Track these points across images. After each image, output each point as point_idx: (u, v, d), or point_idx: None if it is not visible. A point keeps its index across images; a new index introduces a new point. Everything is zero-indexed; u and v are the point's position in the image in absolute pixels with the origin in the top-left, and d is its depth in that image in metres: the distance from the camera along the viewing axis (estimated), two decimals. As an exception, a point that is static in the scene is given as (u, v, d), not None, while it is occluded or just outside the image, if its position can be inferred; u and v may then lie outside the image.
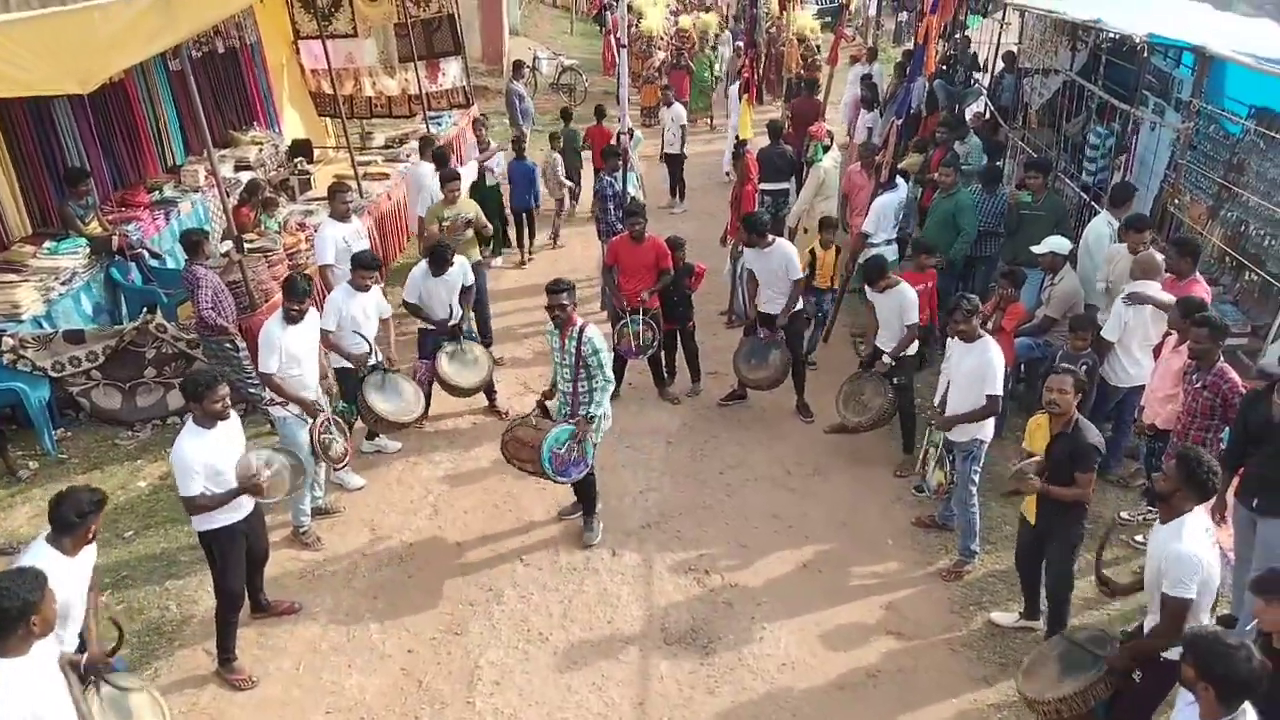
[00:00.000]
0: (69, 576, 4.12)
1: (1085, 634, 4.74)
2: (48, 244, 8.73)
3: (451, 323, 7.75)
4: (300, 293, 6.24)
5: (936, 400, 6.53)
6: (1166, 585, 4.12)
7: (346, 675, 5.56)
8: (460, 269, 7.80)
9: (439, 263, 7.60)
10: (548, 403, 6.62)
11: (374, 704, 5.36)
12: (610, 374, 6.41)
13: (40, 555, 4.11)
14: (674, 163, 14.13)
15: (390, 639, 5.84)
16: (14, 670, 3.48)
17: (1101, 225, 7.90)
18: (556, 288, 6.32)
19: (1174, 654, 4.25)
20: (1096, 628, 4.91)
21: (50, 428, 7.74)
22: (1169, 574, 4.11)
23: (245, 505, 5.29)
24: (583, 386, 6.32)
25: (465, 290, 7.88)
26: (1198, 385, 5.70)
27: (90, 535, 4.30)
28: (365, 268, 7.01)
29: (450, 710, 5.32)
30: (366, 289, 7.01)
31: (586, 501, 6.73)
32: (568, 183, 12.66)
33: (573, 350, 6.26)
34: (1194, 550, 4.09)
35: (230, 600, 5.40)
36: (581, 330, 6.26)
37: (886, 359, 7.26)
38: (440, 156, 9.93)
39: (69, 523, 4.17)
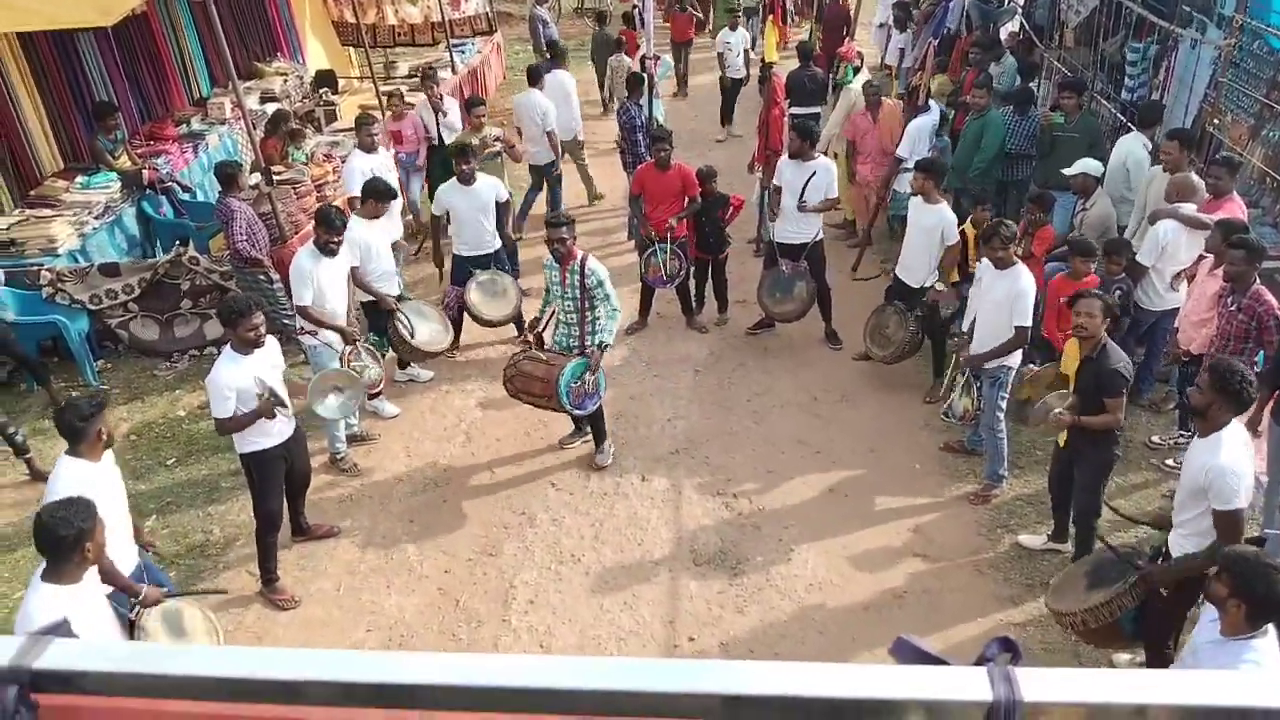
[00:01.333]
0: (100, 482, 4.25)
1: (1114, 552, 4.79)
2: (79, 179, 8.83)
3: (481, 251, 7.76)
4: (338, 225, 6.28)
5: (965, 326, 6.50)
6: (1217, 502, 4.14)
7: (385, 595, 5.74)
8: (490, 186, 7.79)
9: (464, 158, 7.61)
10: (546, 335, 6.67)
11: (413, 622, 5.55)
12: (617, 302, 6.46)
13: (65, 468, 4.23)
14: (735, 88, 13.84)
15: (427, 560, 6.01)
16: (72, 597, 3.61)
17: (1137, 148, 7.72)
18: (556, 221, 6.36)
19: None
20: (1127, 547, 4.96)
21: (91, 359, 7.91)
22: (1215, 490, 4.13)
23: (284, 430, 5.42)
24: (589, 316, 6.38)
25: (502, 207, 7.87)
26: (1232, 308, 5.63)
27: (103, 436, 4.35)
28: (379, 198, 7.05)
29: (486, 628, 5.49)
30: (378, 217, 7.06)
31: (598, 433, 6.82)
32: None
33: (576, 284, 6.29)
34: (1235, 463, 4.12)
35: (269, 521, 5.57)
36: (583, 262, 6.29)
37: (940, 285, 7.17)
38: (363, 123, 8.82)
39: (75, 429, 4.25)
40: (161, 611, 4.33)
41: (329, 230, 6.27)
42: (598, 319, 6.40)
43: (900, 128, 9.22)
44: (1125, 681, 0.91)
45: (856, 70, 10.89)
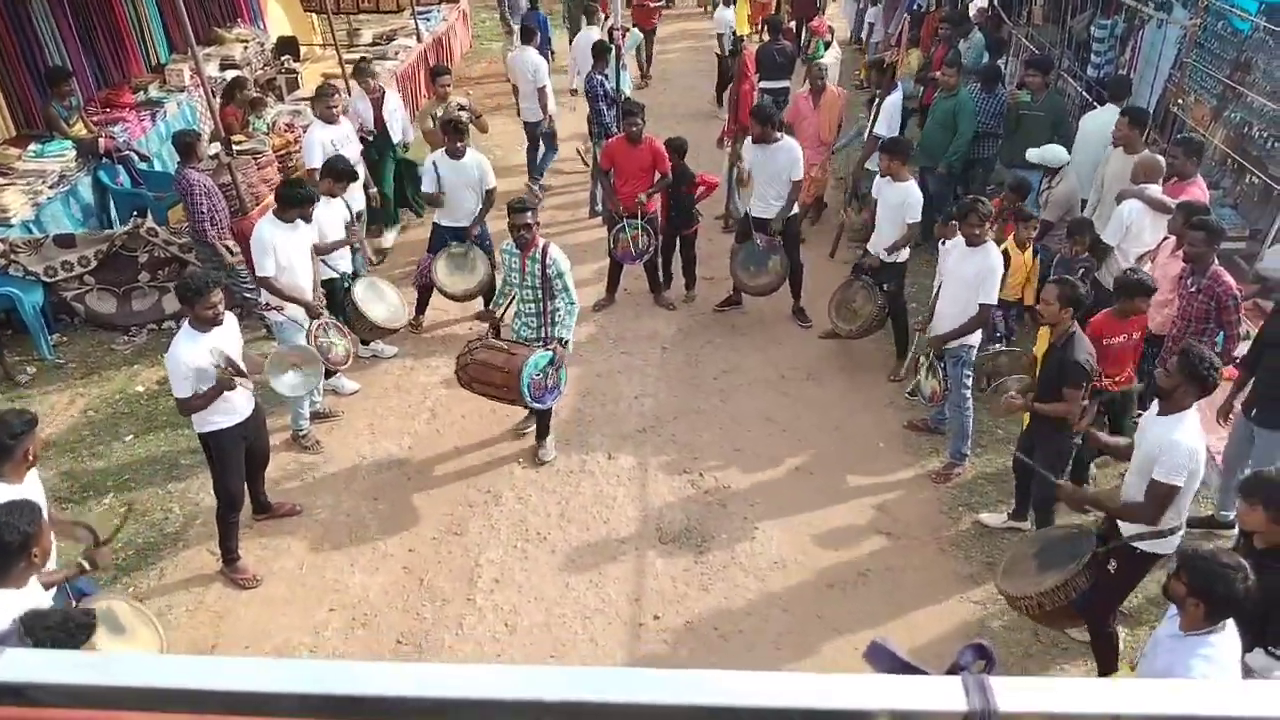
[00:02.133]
0: None
1: (1060, 530, 4.88)
2: (33, 146, 8.61)
3: (460, 222, 7.68)
4: (306, 200, 6.17)
5: (929, 305, 6.52)
6: (1159, 472, 4.22)
7: (349, 574, 5.70)
8: (477, 163, 7.69)
9: (456, 134, 7.50)
10: (503, 323, 6.57)
11: (377, 601, 5.51)
12: (575, 295, 6.28)
13: None
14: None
15: (391, 539, 5.97)
16: (18, 603, 3.43)
17: (1109, 118, 7.73)
18: (521, 206, 6.14)
19: (1148, 546, 4.40)
20: (1073, 525, 5.04)
21: (46, 333, 7.75)
22: (1163, 460, 4.21)
23: (244, 408, 5.34)
24: (550, 307, 6.25)
25: (488, 194, 7.75)
26: (1192, 289, 5.70)
27: (29, 457, 4.15)
28: (338, 177, 6.94)
29: (451, 607, 5.47)
30: (335, 196, 6.95)
31: (542, 427, 6.69)
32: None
33: (536, 272, 6.15)
34: (1192, 443, 4.21)
35: (230, 500, 5.49)
36: (545, 251, 6.14)
37: (883, 254, 7.20)
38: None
39: (3, 446, 4.03)
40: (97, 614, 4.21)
41: (303, 205, 6.15)
42: (557, 310, 6.24)
43: (839, 117, 9.14)
44: (1101, 691, 0.91)
45: (827, 45, 10.86)
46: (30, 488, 4.18)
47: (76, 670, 0.95)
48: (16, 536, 3.43)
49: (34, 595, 3.64)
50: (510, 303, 6.51)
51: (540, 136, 10.53)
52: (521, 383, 5.99)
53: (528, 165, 10.92)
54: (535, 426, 6.75)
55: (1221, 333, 5.73)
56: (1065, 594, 4.45)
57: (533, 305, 6.30)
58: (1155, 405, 4.50)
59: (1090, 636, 4.88)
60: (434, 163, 7.63)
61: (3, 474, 4.07)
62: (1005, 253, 6.46)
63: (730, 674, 0.94)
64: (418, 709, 0.93)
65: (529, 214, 6.13)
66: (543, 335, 6.31)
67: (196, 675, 0.94)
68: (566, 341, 6.28)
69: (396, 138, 9.25)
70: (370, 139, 8.99)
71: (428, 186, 7.69)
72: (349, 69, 10.36)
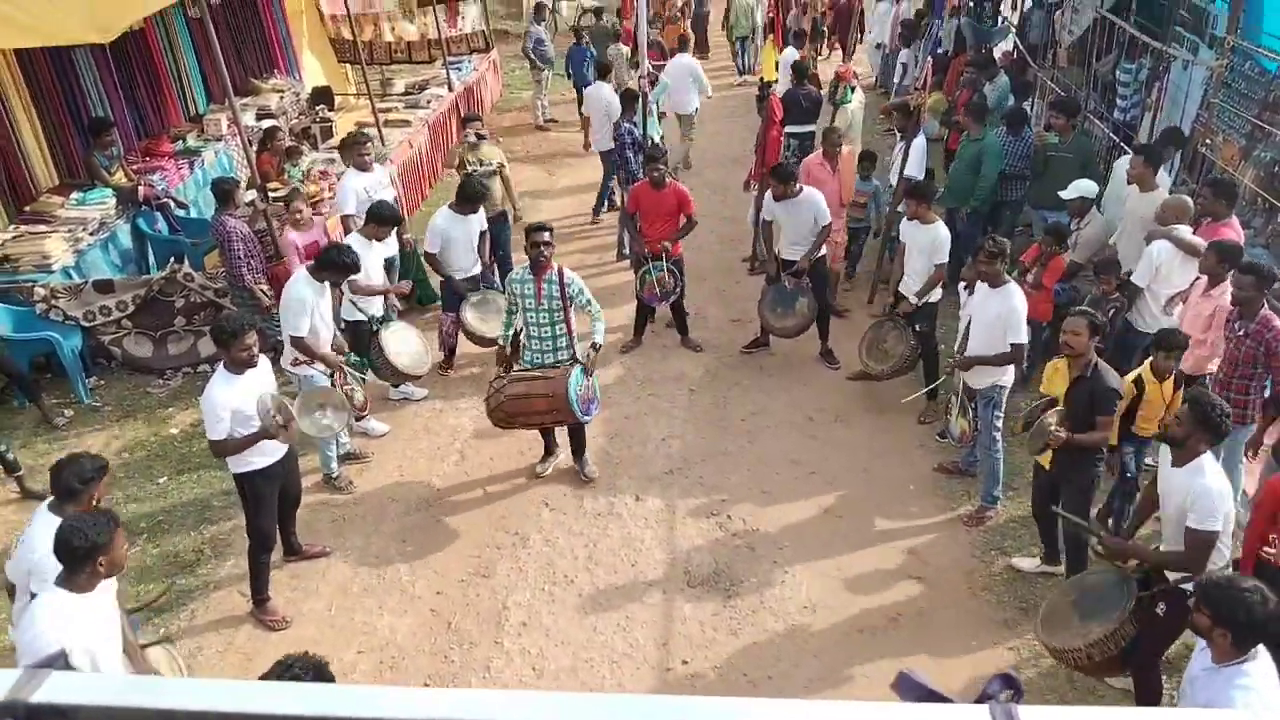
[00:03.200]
0: None
1: (1096, 575, 4.79)
2: (75, 194, 8.83)
3: (472, 273, 7.77)
4: (347, 268, 6.23)
5: (956, 347, 6.50)
6: (1193, 520, 4.17)
7: (377, 616, 5.71)
8: (478, 217, 7.84)
9: (468, 200, 7.61)
10: (512, 353, 6.61)
11: (404, 644, 5.51)
12: (597, 304, 6.46)
13: (43, 524, 4.11)
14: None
15: (419, 581, 5.97)
16: (77, 606, 3.63)
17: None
18: (541, 226, 6.36)
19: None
20: (1109, 569, 4.95)
21: (84, 376, 7.88)
22: (1196, 508, 4.17)
23: (278, 449, 5.40)
24: (562, 330, 6.38)
25: (482, 235, 7.90)
26: (1240, 334, 5.60)
27: (94, 501, 4.28)
28: (382, 222, 7.05)
29: (479, 650, 5.45)
30: (381, 240, 7.07)
31: (580, 443, 6.83)
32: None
33: (555, 294, 6.28)
34: (1219, 485, 4.18)
35: (262, 541, 5.54)
36: (560, 273, 6.31)
37: (912, 299, 7.20)
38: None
39: (72, 489, 4.19)
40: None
41: (339, 270, 6.22)
42: (595, 321, 6.39)
43: (854, 177, 8.99)
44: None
45: (852, 90, 10.95)
46: None
47: (122, 693, 0.97)
48: (83, 543, 3.59)
49: (101, 602, 3.77)
50: (515, 337, 6.59)
51: (611, 165, 10.80)
52: (571, 401, 6.12)
53: (601, 196, 11.37)
54: (572, 446, 6.85)
55: (1269, 378, 5.65)
56: (1115, 643, 4.33)
57: (547, 329, 6.38)
58: (1168, 456, 4.44)
59: (1134, 684, 4.77)
60: (435, 225, 7.72)
61: (64, 512, 4.19)
62: (1139, 381, 5.57)
63: (761, 701, 0.95)
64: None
65: (549, 233, 6.27)
66: (557, 360, 6.39)
67: (240, 699, 0.96)
68: (599, 346, 6.42)
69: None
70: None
71: (431, 247, 7.74)
72: (381, 117, 10.59)
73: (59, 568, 3.70)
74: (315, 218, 7.94)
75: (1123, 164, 7.92)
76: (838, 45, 17.06)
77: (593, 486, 6.79)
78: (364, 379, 6.82)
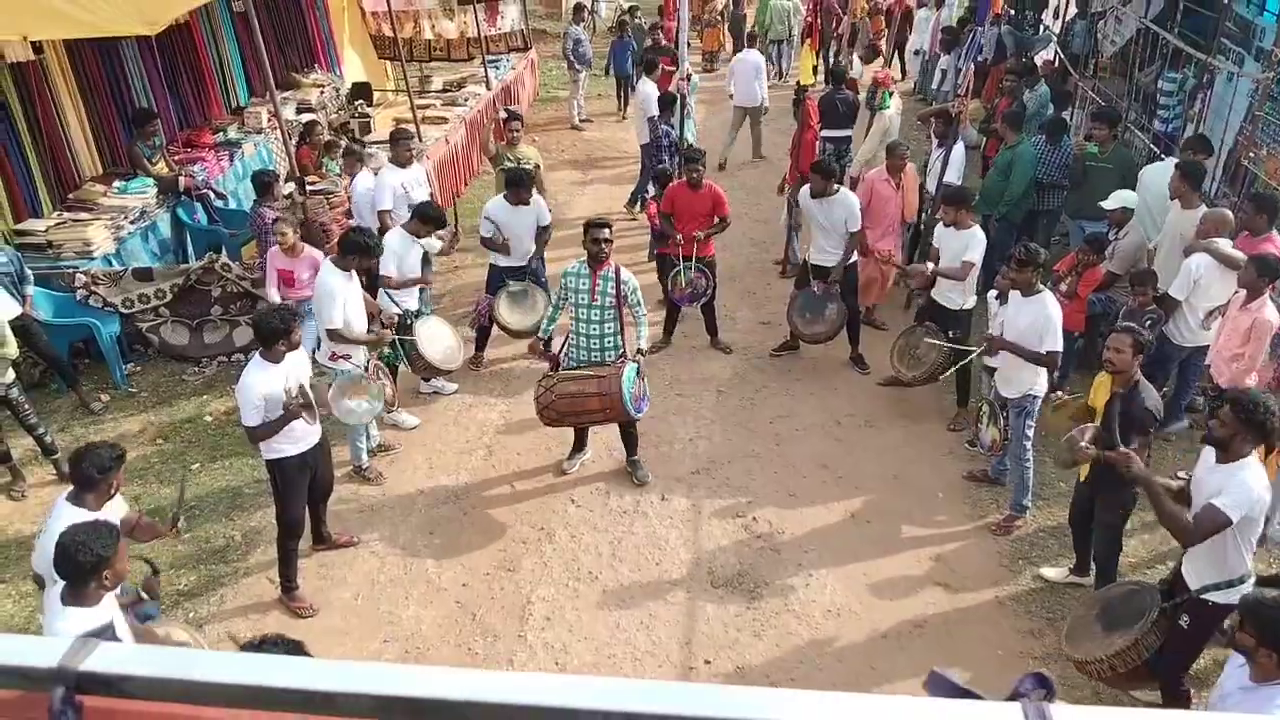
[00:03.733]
0: None
1: (1120, 587, 4.74)
2: (117, 183, 8.96)
3: (518, 262, 7.85)
4: (368, 250, 6.27)
5: (987, 359, 6.44)
6: (1220, 499, 4.09)
7: (403, 606, 5.75)
8: (539, 205, 7.90)
9: (517, 187, 7.69)
10: (555, 349, 6.64)
11: (429, 634, 5.55)
12: (644, 308, 6.50)
13: (63, 514, 4.13)
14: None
15: (445, 573, 6.02)
16: (84, 619, 3.58)
17: (1169, 169, 7.64)
18: (601, 222, 6.39)
19: (1219, 598, 4.25)
20: (1131, 581, 4.90)
21: (121, 362, 8.00)
22: (1228, 492, 4.09)
23: (310, 437, 5.46)
24: (614, 328, 6.39)
25: (542, 230, 7.95)
26: None
27: (112, 490, 4.31)
28: (427, 221, 7.12)
29: (502, 643, 5.49)
30: (423, 237, 7.15)
31: (634, 442, 6.85)
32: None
33: (609, 291, 6.28)
34: (1259, 485, 4.10)
35: (290, 528, 5.60)
36: (617, 270, 6.33)
37: (930, 268, 7.15)
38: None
39: (90, 479, 4.20)
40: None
41: (360, 253, 6.26)
42: (638, 322, 6.42)
43: (916, 195, 8.88)
44: (1160, 723, 0.90)
45: (890, 95, 10.90)
46: (109, 516, 4.30)
47: (164, 664, 1.00)
48: (90, 558, 3.52)
49: (106, 613, 3.73)
50: (554, 331, 6.62)
51: (651, 160, 10.87)
52: (625, 399, 6.13)
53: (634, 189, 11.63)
54: (625, 443, 6.86)
55: None
56: (1137, 654, 4.32)
57: (597, 327, 6.37)
58: (1207, 456, 4.38)
59: (1162, 696, 4.72)
60: (488, 214, 7.83)
61: (84, 501, 4.25)
62: None
63: (790, 692, 0.95)
64: (486, 714, 0.95)
65: (609, 229, 6.30)
66: (604, 359, 6.39)
67: (277, 673, 0.98)
68: (644, 351, 6.46)
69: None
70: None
71: (484, 232, 7.86)
72: (419, 114, 10.64)
73: None
74: (308, 249, 7.31)
75: (1151, 172, 7.81)
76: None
77: (619, 485, 6.80)
78: (394, 373, 6.89)
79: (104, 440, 4.50)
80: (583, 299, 6.35)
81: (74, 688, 0.96)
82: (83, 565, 3.52)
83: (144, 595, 4.39)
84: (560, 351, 6.58)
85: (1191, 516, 4.23)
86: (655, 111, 10.55)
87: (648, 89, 11.16)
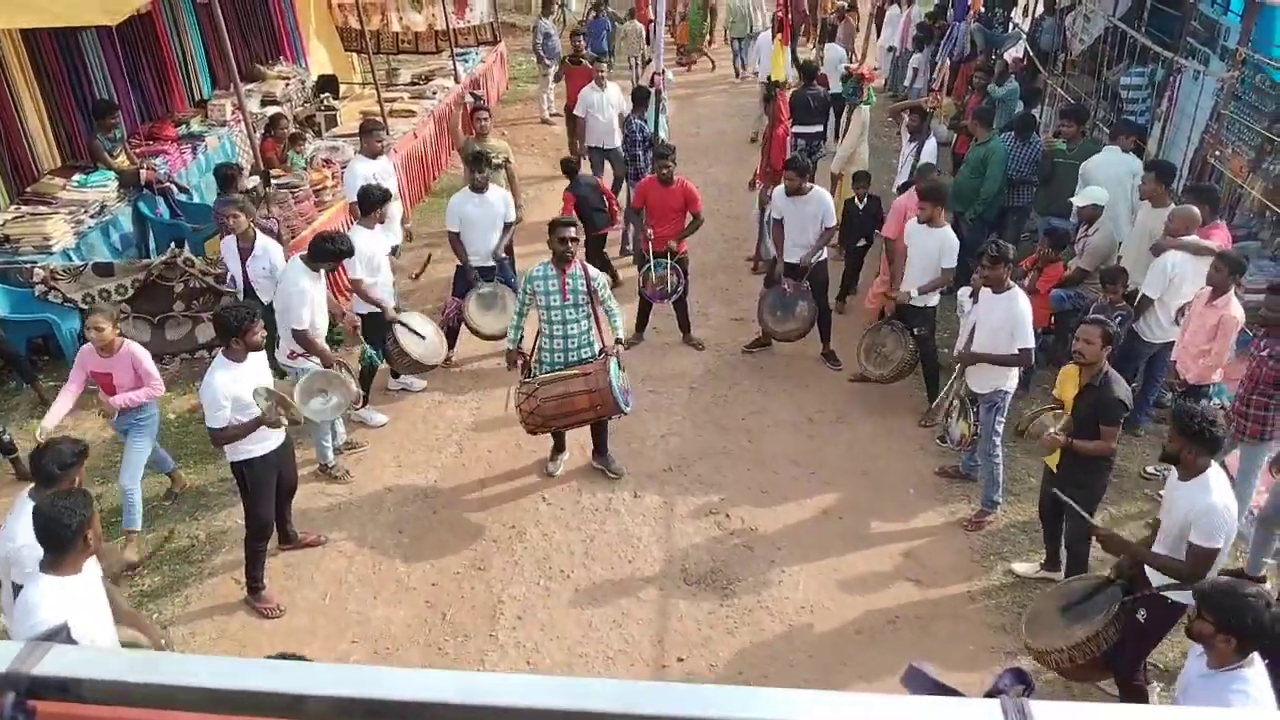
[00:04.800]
0: None
1: (1081, 581, 4.79)
2: (77, 177, 8.79)
3: (486, 263, 7.76)
4: (339, 254, 6.20)
5: (957, 351, 6.44)
6: (1197, 537, 4.16)
7: (372, 606, 5.67)
8: (502, 198, 7.83)
9: (476, 167, 7.63)
10: (528, 354, 6.52)
11: (399, 635, 5.47)
12: (614, 300, 6.45)
13: (24, 512, 4.03)
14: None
15: (415, 573, 5.94)
16: (66, 589, 3.59)
17: (1111, 158, 7.76)
18: (568, 223, 6.33)
19: (1178, 596, 4.30)
20: (1093, 575, 4.94)
21: (81, 359, 7.83)
22: (1200, 526, 4.15)
23: (276, 436, 5.36)
24: (589, 324, 6.35)
25: (507, 226, 7.87)
26: (1264, 353, 5.58)
27: (74, 485, 4.22)
28: (374, 204, 7.03)
29: (473, 642, 5.42)
30: (381, 221, 7.12)
31: (604, 440, 6.82)
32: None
33: (580, 289, 6.22)
34: (1224, 502, 4.15)
35: (259, 529, 5.50)
36: (585, 268, 6.28)
37: (914, 293, 7.12)
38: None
39: (51, 475, 4.15)
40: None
41: (331, 259, 6.20)
42: (613, 318, 6.32)
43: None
44: (1139, 717, 0.88)
45: (874, 92, 10.90)
46: None
47: (123, 668, 0.96)
48: (76, 519, 3.57)
49: (90, 579, 3.76)
50: (525, 338, 6.50)
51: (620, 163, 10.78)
52: (615, 393, 6.08)
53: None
54: (595, 445, 6.84)
55: None
56: (1096, 646, 4.38)
57: (573, 326, 6.29)
58: (1175, 472, 4.42)
59: (1118, 688, 4.77)
60: (452, 207, 7.75)
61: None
62: None
63: (768, 691, 0.92)
64: (452, 715, 0.91)
65: (574, 229, 6.25)
66: (581, 358, 6.33)
67: (237, 676, 0.94)
68: (622, 341, 6.39)
69: (266, 297, 6.76)
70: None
71: (451, 226, 7.77)
72: (386, 107, 10.52)
73: (39, 557, 3.64)
74: (127, 345, 5.79)
75: (1124, 163, 7.87)
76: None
77: (591, 482, 6.75)
78: (373, 373, 6.85)
79: (66, 436, 4.40)
80: (554, 300, 6.23)
81: (26, 692, 0.91)
82: (69, 528, 3.55)
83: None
84: (531, 357, 6.48)
85: (1184, 557, 4.26)
86: (626, 109, 10.43)
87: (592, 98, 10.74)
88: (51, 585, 3.58)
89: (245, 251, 6.96)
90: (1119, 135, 8.17)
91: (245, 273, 7.02)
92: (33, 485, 4.26)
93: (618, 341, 6.32)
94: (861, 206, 8.76)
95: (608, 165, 10.92)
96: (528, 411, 6.17)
